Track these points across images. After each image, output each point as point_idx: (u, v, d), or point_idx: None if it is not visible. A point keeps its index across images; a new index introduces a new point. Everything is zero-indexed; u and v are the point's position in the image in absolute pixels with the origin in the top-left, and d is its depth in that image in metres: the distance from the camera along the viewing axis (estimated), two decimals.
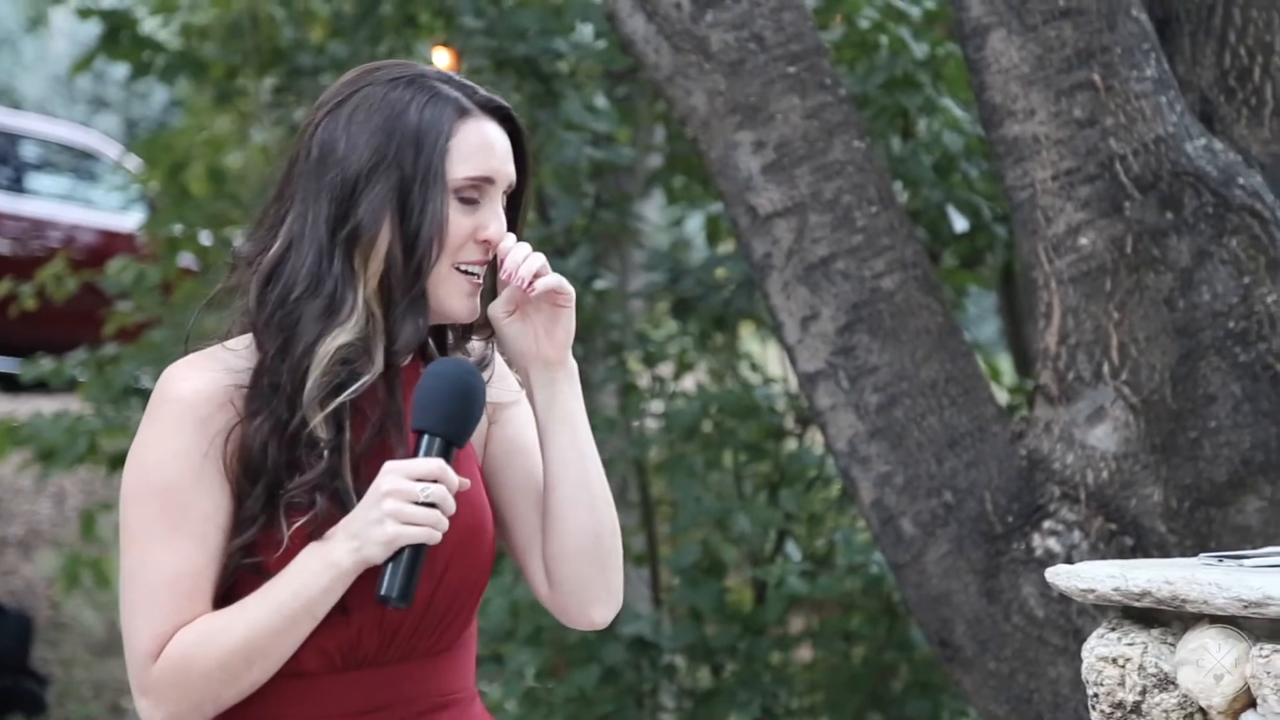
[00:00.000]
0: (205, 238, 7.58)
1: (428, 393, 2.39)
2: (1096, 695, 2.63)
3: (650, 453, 6.14)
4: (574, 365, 2.49)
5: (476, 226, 2.44)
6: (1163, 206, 3.89)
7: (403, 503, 2.33)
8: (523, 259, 2.44)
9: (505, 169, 2.47)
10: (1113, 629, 2.65)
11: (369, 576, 2.37)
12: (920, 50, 5.66)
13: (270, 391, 2.40)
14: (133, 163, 9.27)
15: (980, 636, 3.95)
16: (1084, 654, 2.66)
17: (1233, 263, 3.91)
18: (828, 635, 5.90)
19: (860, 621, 5.88)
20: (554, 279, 2.45)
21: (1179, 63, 4.11)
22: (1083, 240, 3.90)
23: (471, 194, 2.45)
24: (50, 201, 13.61)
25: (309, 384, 2.39)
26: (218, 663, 2.37)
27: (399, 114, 2.44)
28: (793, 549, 5.97)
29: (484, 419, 2.52)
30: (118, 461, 7.19)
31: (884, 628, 5.84)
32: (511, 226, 2.50)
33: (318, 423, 2.39)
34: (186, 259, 7.78)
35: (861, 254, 4.02)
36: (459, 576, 2.44)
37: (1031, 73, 3.90)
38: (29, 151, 13.88)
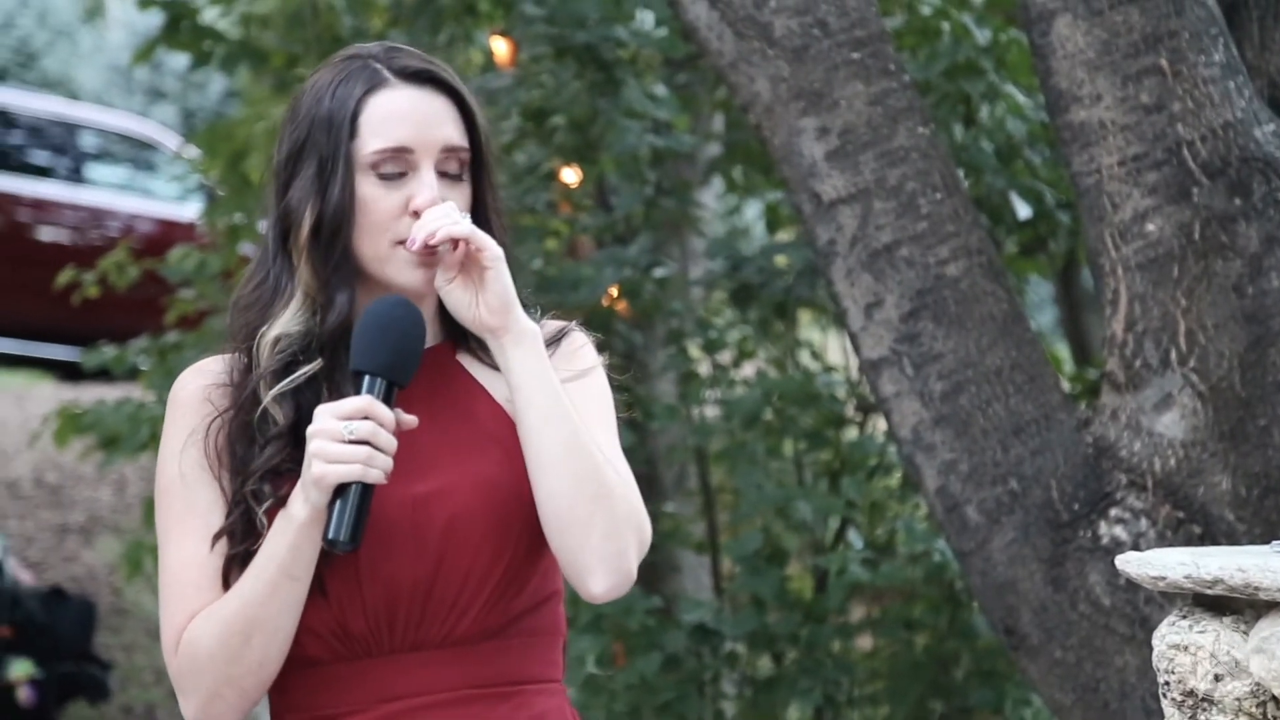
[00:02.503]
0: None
1: (357, 334, 2.40)
2: (1168, 683, 2.62)
3: (711, 441, 6.13)
4: (525, 328, 2.42)
5: (406, 199, 2.43)
6: (1231, 192, 3.87)
7: (327, 441, 2.33)
8: (426, 222, 2.39)
9: (426, 135, 2.43)
10: (1184, 616, 2.63)
11: (340, 555, 2.39)
12: (983, 36, 5.63)
13: (234, 386, 2.45)
14: (191, 153, 9.31)
15: (1046, 624, 3.93)
16: (1155, 642, 2.65)
17: None
18: (889, 623, 5.88)
19: (922, 609, 5.86)
20: (457, 229, 2.38)
21: (1247, 48, 4.08)
22: (1150, 226, 3.88)
23: (391, 167, 2.43)
24: (109, 191, 13.69)
25: (259, 375, 2.43)
26: (218, 640, 2.39)
27: (317, 100, 2.46)
28: (854, 537, 5.96)
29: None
30: None
31: (946, 616, 5.82)
32: (476, 194, 2.47)
33: (273, 412, 2.42)
34: (247, 247, 7.82)
35: (926, 241, 4.01)
36: (463, 559, 2.43)
37: (1098, 58, 3.88)
38: (87, 142, 13.97)
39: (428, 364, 2.48)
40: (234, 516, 2.43)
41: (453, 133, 2.46)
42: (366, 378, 2.37)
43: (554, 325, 2.55)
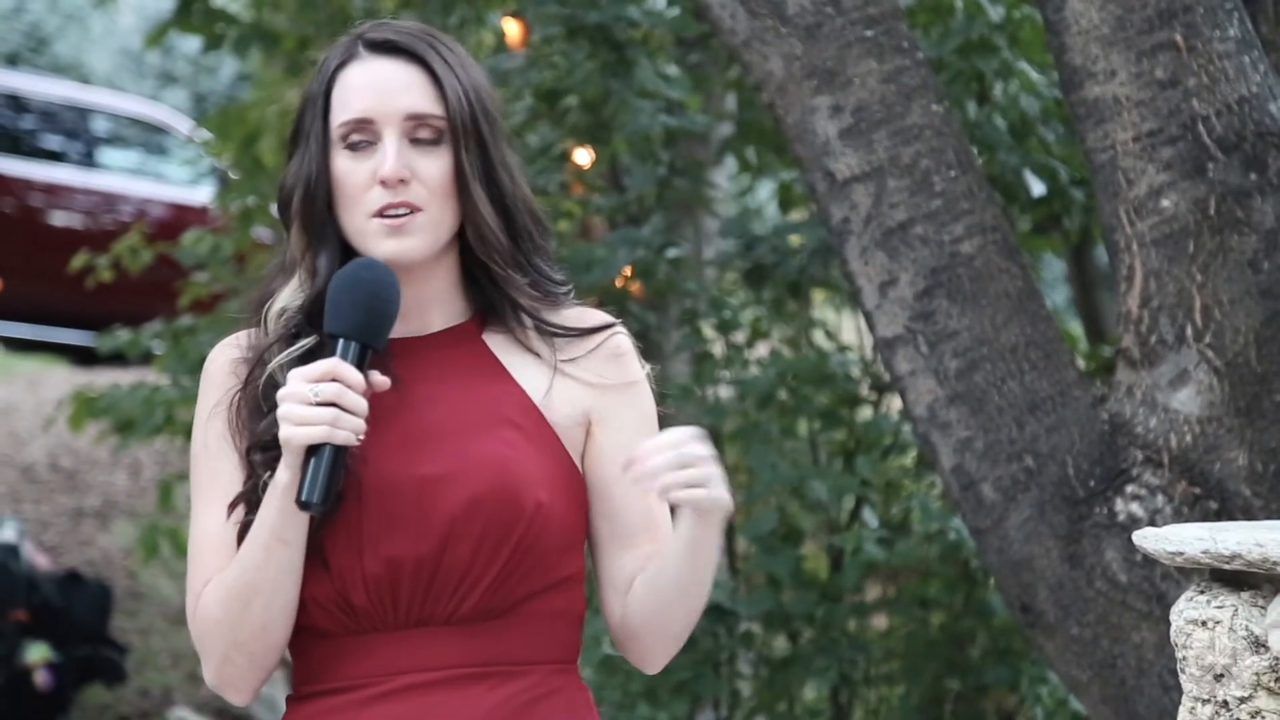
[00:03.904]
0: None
1: (328, 297, 2.43)
2: (1185, 659, 2.62)
3: (725, 421, 6.13)
4: (718, 522, 2.43)
5: (374, 169, 2.44)
6: (1246, 168, 3.85)
7: (294, 405, 2.36)
8: (670, 459, 2.36)
9: (386, 105, 2.45)
10: (1201, 592, 2.63)
11: (340, 525, 2.42)
12: (996, 13, 5.62)
13: (253, 358, 2.49)
14: (203, 136, 9.32)
15: (1062, 602, 3.93)
16: (1172, 617, 2.65)
17: None
18: (905, 602, 5.88)
19: (937, 588, 5.86)
20: (707, 497, 2.37)
21: (1262, 23, 4.07)
22: (1165, 202, 3.87)
23: (357, 139, 2.45)
24: (121, 176, 13.70)
25: (264, 347, 2.47)
26: (222, 605, 2.44)
27: (311, 81, 2.50)
28: (869, 516, 5.96)
29: (582, 397, 2.50)
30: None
31: (961, 594, 5.82)
32: (457, 162, 2.46)
33: (279, 382, 2.45)
34: (260, 231, 7.83)
35: (940, 218, 4.00)
36: (468, 541, 2.43)
37: (1112, 34, 3.87)
38: (99, 126, 13.97)
39: (448, 342, 2.50)
40: (247, 486, 2.46)
41: (417, 100, 2.46)
42: (340, 341, 2.40)
43: (595, 317, 2.55)
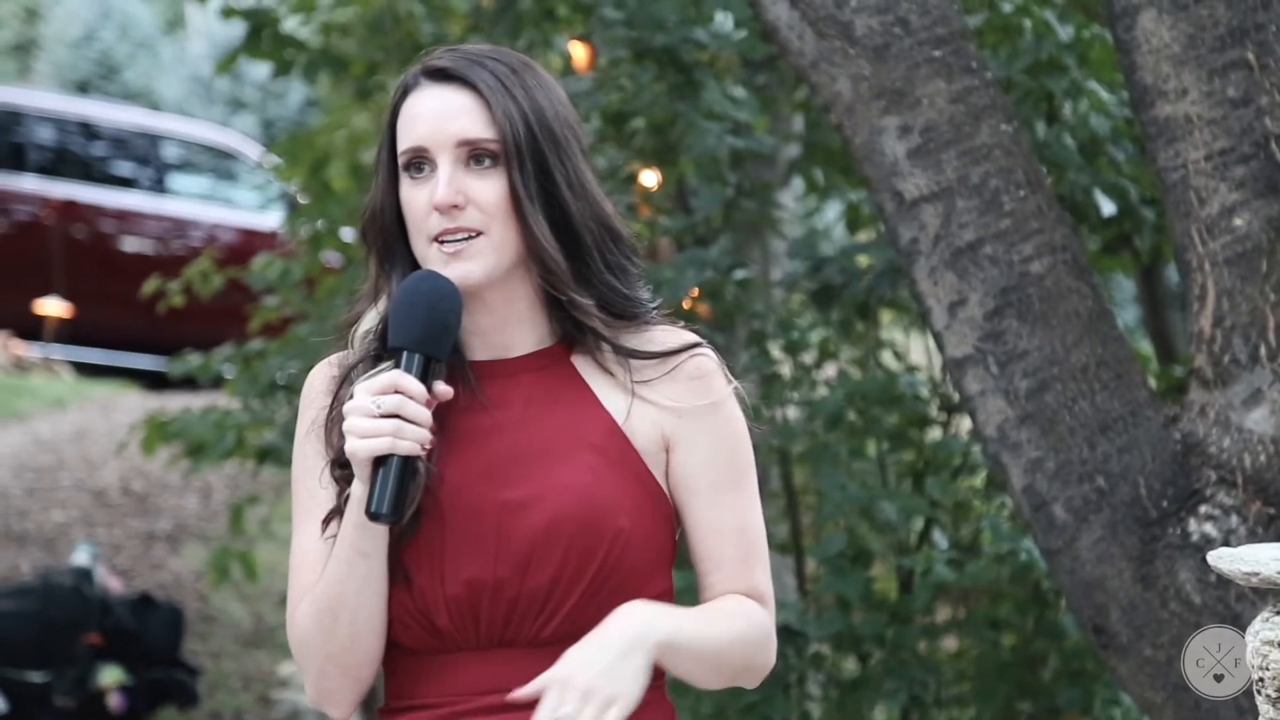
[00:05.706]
0: (347, 234, 7.67)
1: (389, 312, 2.47)
2: (1262, 680, 2.60)
3: (794, 442, 6.11)
4: (638, 666, 2.42)
5: (431, 195, 2.47)
6: None
7: (358, 418, 2.39)
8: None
9: (438, 133, 2.47)
10: (1278, 613, 2.61)
11: (423, 546, 2.44)
12: (1065, 32, 5.59)
13: (341, 376, 2.54)
14: (272, 162, 9.38)
15: (1136, 623, 3.90)
16: (1248, 638, 2.63)
17: None
18: (975, 623, 5.85)
19: (1008, 609, 5.83)
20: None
21: None
22: (1237, 221, 3.84)
23: (416, 166, 2.49)
24: (191, 201, 13.81)
25: (349, 366, 2.52)
26: (313, 619, 2.47)
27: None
28: (939, 537, 5.93)
29: (659, 421, 2.50)
30: (264, 455, 7.29)
31: (1033, 615, 5.78)
32: (511, 185, 2.47)
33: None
34: (329, 254, 7.87)
35: (1010, 238, 3.99)
36: (548, 566, 2.44)
37: (1183, 52, 3.85)
38: (170, 152, 14.08)
39: (535, 365, 2.51)
40: (336, 502, 2.49)
41: (468, 126, 2.48)
42: (404, 353, 2.43)
43: (677, 338, 2.54)
